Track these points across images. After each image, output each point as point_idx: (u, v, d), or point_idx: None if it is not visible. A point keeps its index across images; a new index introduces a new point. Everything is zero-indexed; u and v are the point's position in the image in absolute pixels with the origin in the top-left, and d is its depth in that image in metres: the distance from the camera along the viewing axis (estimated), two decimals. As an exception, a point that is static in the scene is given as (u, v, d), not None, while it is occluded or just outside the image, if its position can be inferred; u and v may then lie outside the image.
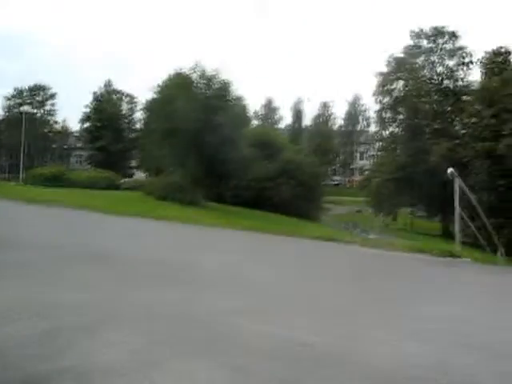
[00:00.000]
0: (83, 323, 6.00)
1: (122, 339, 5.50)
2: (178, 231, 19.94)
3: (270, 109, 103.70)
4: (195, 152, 34.09)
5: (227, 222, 23.73)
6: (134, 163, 70.35)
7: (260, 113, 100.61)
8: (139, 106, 67.34)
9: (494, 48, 47.01)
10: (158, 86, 37.03)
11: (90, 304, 6.95)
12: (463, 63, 52.14)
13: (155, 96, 37.93)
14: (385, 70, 53.64)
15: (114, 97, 75.21)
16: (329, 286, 9.87)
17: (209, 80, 35.81)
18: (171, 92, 34.44)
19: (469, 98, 48.49)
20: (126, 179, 48.17)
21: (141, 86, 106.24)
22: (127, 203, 28.22)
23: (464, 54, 51.86)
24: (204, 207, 31.66)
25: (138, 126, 70.97)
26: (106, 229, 18.00)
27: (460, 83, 52.36)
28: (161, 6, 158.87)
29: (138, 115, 70.08)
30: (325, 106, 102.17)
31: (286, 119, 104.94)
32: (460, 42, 52.36)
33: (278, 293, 8.88)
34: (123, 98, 75.71)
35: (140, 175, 61.45)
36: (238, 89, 36.51)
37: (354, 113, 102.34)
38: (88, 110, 72.29)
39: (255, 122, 78.79)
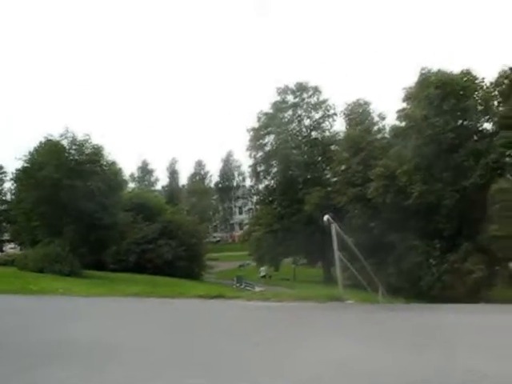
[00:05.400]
0: None
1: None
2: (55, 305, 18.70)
3: (145, 171, 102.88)
4: (70, 220, 32.85)
5: (109, 290, 22.79)
6: (6, 236, 66.37)
7: (136, 175, 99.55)
8: (9, 176, 64.11)
9: (355, 100, 50.04)
10: (28, 154, 35.49)
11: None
12: (328, 115, 55.04)
13: (25, 165, 36.25)
14: (256, 125, 55.04)
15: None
16: (217, 344, 9.53)
17: (80, 145, 34.84)
18: (41, 159, 33.22)
19: (336, 147, 50.93)
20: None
21: (10, 156, 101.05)
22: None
23: (328, 107, 54.84)
24: (85, 277, 30.24)
25: (8, 196, 67.35)
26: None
27: (327, 134, 55.02)
28: (22, 72, 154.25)
29: (8, 186, 66.64)
30: (199, 164, 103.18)
31: (162, 180, 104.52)
32: (323, 96, 55.37)
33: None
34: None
35: (11, 249, 58.04)
36: (111, 153, 35.79)
37: (229, 169, 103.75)
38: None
39: (131, 185, 77.69)
